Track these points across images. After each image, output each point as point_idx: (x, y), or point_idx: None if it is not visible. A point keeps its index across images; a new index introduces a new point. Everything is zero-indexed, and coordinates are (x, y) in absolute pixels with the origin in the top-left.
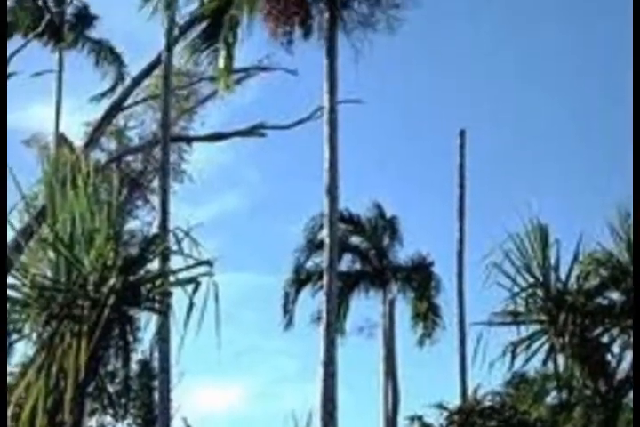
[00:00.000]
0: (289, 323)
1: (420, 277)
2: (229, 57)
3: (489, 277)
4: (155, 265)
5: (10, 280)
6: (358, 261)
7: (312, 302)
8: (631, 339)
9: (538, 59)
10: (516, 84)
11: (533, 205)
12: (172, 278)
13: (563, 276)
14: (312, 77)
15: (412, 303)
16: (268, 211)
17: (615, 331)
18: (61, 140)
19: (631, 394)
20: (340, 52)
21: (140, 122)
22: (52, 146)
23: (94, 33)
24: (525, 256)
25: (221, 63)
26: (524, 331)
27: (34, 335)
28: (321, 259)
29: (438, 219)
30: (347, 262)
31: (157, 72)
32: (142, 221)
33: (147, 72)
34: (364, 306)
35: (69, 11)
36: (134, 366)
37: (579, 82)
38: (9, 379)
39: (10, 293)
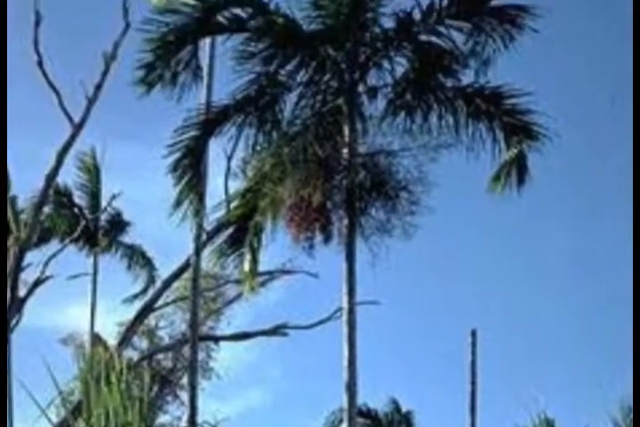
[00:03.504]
0: None
1: None
2: (254, 261)
3: None
4: None
5: None
6: None
7: None
8: None
9: (545, 263)
10: (525, 286)
11: (541, 401)
12: None
13: None
14: (332, 280)
15: None
16: (290, 406)
17: None
18: (96, 339)
19: None
20: (359, 257)
21: (170, 322)
22: (88, 345)
23: (127, 238)
24: None
25: (247, 267)
26: None
27: None
28: None
29: (450, 414)
30: None
31: (186, 275)
32: (172, 416)
33: (176, 275)
34: None
35: (104, 217)
36: None
37: (582, 285)
38: None
39: None
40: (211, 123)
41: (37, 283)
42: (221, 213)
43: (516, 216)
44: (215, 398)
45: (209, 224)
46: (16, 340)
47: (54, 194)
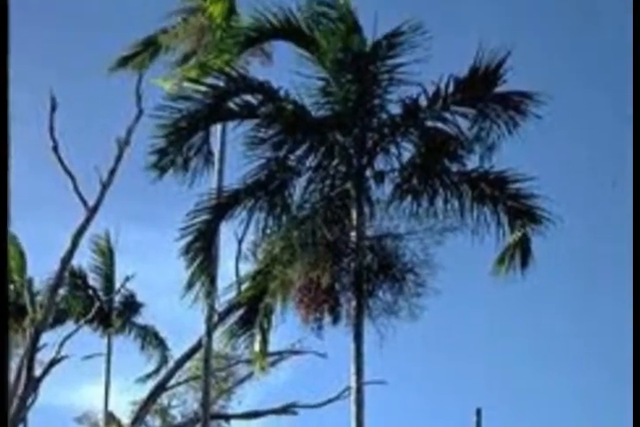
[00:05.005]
0: None
1: None
2: (264, 341)
3: None
4: None
5: None
6: None
7: None
8: None
9: (548, 343)
10: (529, 365)
11: None
12: None
13: None
14: (340, 360)
15: None
16: None
17: None
18: (110, 418)
19: None
20: (366, 337)
21: (183, 401)
22: (102, 423)
23: (140, 319)
24: None
25: (257, 347)
26: None
27: None
28: None
29: None
30: None
31: (198, 355)
32: None
33: (188, 355)
34: None
35: (117, 299)
36: None
37: (585, 365)
38: None
39: None
40: (222, 207)
41: (53, 363)
42: (232, 294)
43: (519, 298)
44: None
45: (220, 306)
46: (32, 418)
47: (69, 276)
